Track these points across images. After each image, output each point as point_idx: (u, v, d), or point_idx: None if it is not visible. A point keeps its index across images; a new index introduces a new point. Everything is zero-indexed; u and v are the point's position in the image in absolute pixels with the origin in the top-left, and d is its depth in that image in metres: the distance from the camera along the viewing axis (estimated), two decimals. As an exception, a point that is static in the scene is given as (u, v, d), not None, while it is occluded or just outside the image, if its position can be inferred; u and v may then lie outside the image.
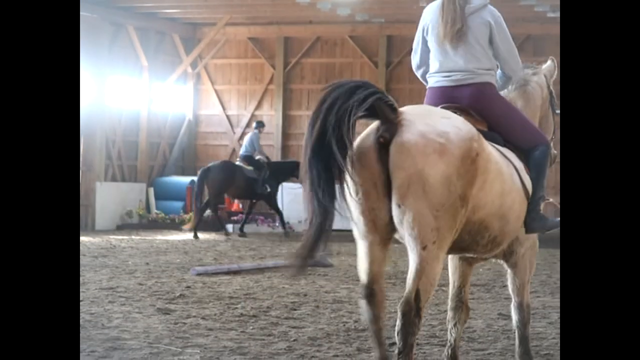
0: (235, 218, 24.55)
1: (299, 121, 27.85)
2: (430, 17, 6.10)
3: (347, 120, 5.07)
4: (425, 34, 6.15)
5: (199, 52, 27.43)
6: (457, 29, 5.98)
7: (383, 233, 5.32)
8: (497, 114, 6.04)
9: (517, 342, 6.40)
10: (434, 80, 6.11)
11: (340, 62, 27.67)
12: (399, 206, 5.17)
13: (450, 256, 6.34)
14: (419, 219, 5.15)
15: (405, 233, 5.21)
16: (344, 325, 8.73)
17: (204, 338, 7.89)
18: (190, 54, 27.42)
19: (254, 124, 24.50)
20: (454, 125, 5.34)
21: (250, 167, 22.98)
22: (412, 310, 5.24)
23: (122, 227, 23.98)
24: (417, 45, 6.23)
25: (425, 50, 6.17)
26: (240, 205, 25.71)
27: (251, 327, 8.51)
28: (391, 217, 5.24)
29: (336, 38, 27.56)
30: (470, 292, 10.14)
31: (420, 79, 6.32)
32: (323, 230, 5.18)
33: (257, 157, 22.96)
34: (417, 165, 5.15)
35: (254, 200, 23.20)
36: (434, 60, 6.11)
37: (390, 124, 5.23)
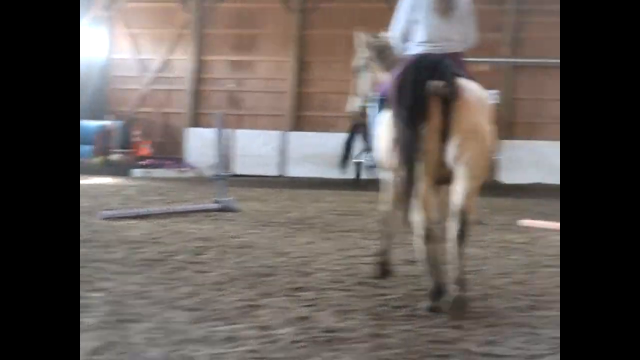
0: (143, 163, 24.35)
1: (212, 66, 27.65)
2: None
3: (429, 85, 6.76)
4: (414, 9, 7.25)
5: (110, -6, 27.01)
6: (449, 5, 7.26)
7: (435, 173, 6.86)
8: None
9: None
10: (421, 48, 7.19)
11: (254, 7, 27.48)
12: (459, 147, 6.72)
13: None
14: (475, 157, 6.75)
15: (460, 167, 6.76)
16: (249, 270, 8.77)
17: (108, 282, 7.87)
18: (101, -4, 26.99)
19: None
20: (482, 90, 7.06)
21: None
22: (467, 219, 6.83)
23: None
24: (403, 17, 7.31)
25: (412, 22, 7.26)
26: (149, 150, 25.49)
27: (156, 272, 8.50)
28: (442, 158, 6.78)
29: (249, -17, 27.34)
30: (376, 238, 10.27)
31: (398, 46, 7.43)
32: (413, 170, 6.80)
33: None
34: (476, 118, 6.78)
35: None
36: (422, 31, 7.21)
37: (454, 87, 6.77)
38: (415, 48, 7.25)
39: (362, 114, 8.82)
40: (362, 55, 8.74)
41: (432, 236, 6.96)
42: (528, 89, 24.33)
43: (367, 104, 8.67)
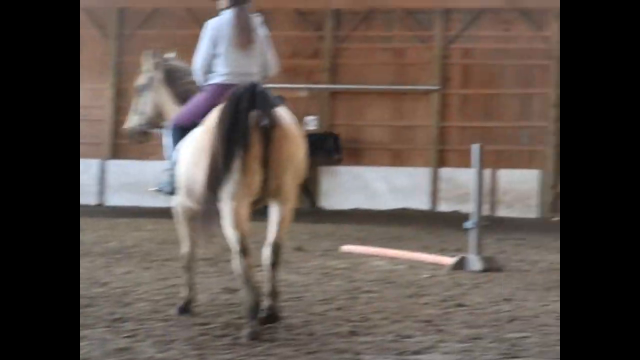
0: None
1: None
2: (222, 29, 7.64)
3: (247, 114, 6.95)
4: (215, 43, 7.64)
5: None
6: (249, 40, 7.68)
7: (252, 197, 7.10)
8: None
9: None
10: (224, 79, 7.62)
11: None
12: (276, 176, 7.02)
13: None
14: (290, 186, 7.16)
15: (276, 196, 7.13)
16: (66, 302, 8.49)
17: None
18: None
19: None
20: (294, 119, 7.39)
21: None
22: (281, 247, 7.27)
23: None
24: (205, 49, 7.67)
25: (214, 55, 7.65)
26: None
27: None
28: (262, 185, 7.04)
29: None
30: (197, 266, 10.14)
31: (200, 78, 7.77)
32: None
33: None
34: (292, 148, 7.14)
35: None
36: (224, 63, 7.63)
37: (273, 117, 7.05)
38: (217, 79, 7.66)
39: (140, 133, 8.70)
40: (146, 75, 8.68)
41: (247, 250, 7.12)
42: (346, 115, 24.67)
43: (144, 123, 8.63)
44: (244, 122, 6.91)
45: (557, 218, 22.87)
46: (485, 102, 24.00)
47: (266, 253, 7.26)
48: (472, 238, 11.89)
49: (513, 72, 23.98)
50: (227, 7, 7.73)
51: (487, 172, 21.86)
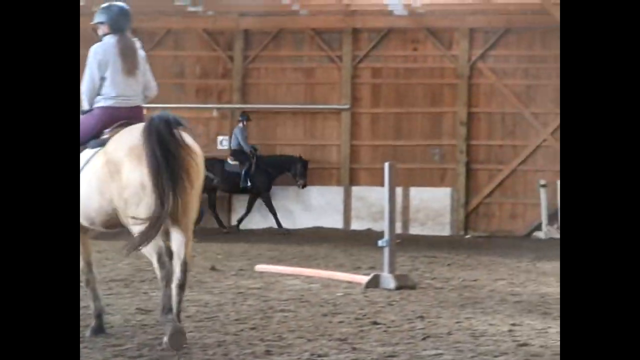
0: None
1: None
2: (107, 54, 7.99)
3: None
4: (102, 67, 7.96)
5: None
6: (133, 65, 8.03)
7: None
8: None
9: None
10: (111, 102, 7.95)
11: None
12: (185, 198, 7.30)
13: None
14: (194, 208, 7.52)
15: (182, 218, 7.38)
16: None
17: None
18: None
19: (239, 117, 23.55)
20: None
21: (235, 162, 22.70)
22: (188, 267, 7.53)
23: None
24: (91, 74, 7.98)
25: (100, 79, 7.98)
26: None
27: None
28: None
29: None
30: (109, 287, 10.04)
31: (87, 102, 8.03)
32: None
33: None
34: (198, 172, 7.56)
35: (253, 196, 23.00)
36: (111, 87, 7.96)
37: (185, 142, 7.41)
38: (105, 102, 8.01)
39: None
40: None
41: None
42: (258, 135, 24.66)
43: None
44: (173, 151, 7.26)
45: (469, 235, 23.13)
46: (396, 121, 24.20)
47: (176, 274, 7.42)
48: (385, 256, 11.96)
49: (422, 91, 24.23)
50: (108, 34, 8.13)
51: (399, 190, 22.02)
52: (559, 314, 9.65)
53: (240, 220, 23.20)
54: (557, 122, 23.33)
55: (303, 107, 24.59)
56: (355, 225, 23.75)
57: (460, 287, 12.08)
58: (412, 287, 11.73)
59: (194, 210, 7.52)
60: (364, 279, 12.06)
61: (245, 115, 23.57)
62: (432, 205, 23.41)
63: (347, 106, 24.31)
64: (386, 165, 12.18)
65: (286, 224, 23.54)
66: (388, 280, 11.74)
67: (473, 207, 23.62)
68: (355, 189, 23.98)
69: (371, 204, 23.42)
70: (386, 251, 11.94)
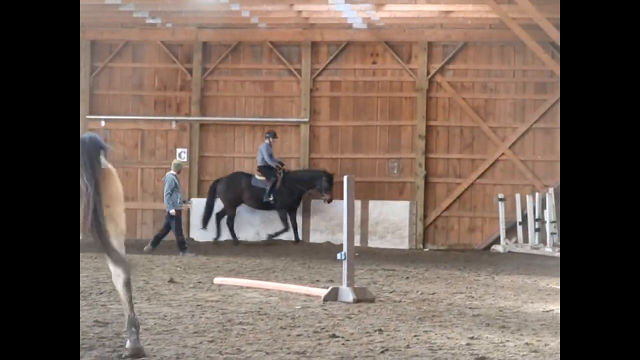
0: None
1: None
2: None
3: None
4: None
5: None
6: None
7: None
8: None
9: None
10: None
11: None
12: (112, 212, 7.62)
13: None
14: (122, 218, 7.78)
15: (112, 228, 7.56)
16: None
17: None
18: None
19: (265, 134, 23.56)
20: None
21: (262, 177, 22.87)
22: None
23: None
24: None
25: None
26: None
27: None
28: None
29: None
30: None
31: None
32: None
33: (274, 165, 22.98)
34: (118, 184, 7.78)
35: (288, 211, 23.15)
36: None
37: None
38: None
39: None
40: None
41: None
42: (217, 147, 24.62)
43: None
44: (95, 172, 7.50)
45: (427, 249, 23.21)
46: (354, 134, 24.26)
47: (120, 289, 7.60)
48: (344, 269, 11.98)
49: (381, 104, 24.32)
50: None
51: (358, 203, 22.07)
52: (517, 327, 9.72)
53: (274, 235, 23.26)
54: (515, 136, 23.53)
55: (262, 120, 24.60)
56: (314, 238, 23.75)
57: (419, 300, 12.13)
58: (371, 301, 11.76)
59: (122, 219, 7.75)
60: (322, 292, 12.06)
61: (272, 133, 23.58)
62: (391, 219, 23.49)
63: (305, 119, 24.35)
64: (345, 178, 12.22)
65: (245, 237, 23.52)
66: (347, 294, 11.76)
67: (432, 221, 23.73)
68: (314, 202, 24.00)
69: (330, 217, 23.45)
70: (345, 264, 11.96)
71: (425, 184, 23.84)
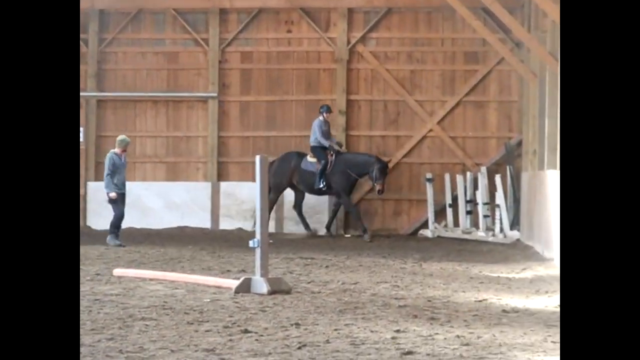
0: None
1: None
2: None
3: None
4: None
5: None
6: None
7: None
8: None
9: None
10: None
11: None
12: None
13: None
14: None
15: None
16: None
17: None
18: None
19: (319, 108, 22.47)
20: None
21: (313, 159, 21.91)
22: None
23: None
24: None
25: None
26: None
27: None
28: None
29: None
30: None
31: None
32: None
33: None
34: None
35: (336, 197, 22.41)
36: None
37: None
38: None
39: None
40: None
41: None
42: (115, 125, 24.39)
43: None
44: None
45: (349, 235, 23.30)
46: (268, 110, 24.23)
47: None
48: (257, 258, 11.96)
49: (297, 77, 24.31)
50: None
51: (272, 186, 22.04)
52: (447, 319, 9.79)
53: (328, 227, 22.86)
54: (444, 110, 23.70)
55: (165, 95, 24.44)
56: (224, 225, 23.71)
57: (340, 291, 12.17)
58: (287, 292, 11.77)
59: None
60: (233, 283, 12.05)
61: (326, 106, 22.66)
62: (309, 202, 23.51)
63: (214, 94, 24.25)
64: (257, 158, 12.19)
65: (146, 223, 23.37)
66: (260, 285, 11.75)
67: (354, 203, 23.82)
68: (223, 185, 23.94)
69: (242, 201, 23.42)
70: (258, 252, 11.95)
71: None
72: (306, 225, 22.61)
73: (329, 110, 22.57)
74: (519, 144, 23.15)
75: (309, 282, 13.02)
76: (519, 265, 16.08)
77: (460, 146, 23.77)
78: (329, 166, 22.12)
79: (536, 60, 20.29)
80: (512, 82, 23.65)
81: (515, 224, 22.05)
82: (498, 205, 21.74)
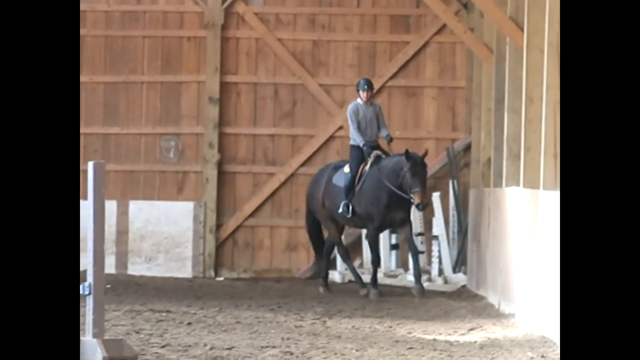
0: None
1: None
2: None
3: None
4: None
5: None
6: None
7: None
8: None
9: None
10: None
11: None
12: None
13: None
14: None
15: None
16: None
17: None
18: None
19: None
20: None
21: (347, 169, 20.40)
22: None
23: None
24: None
25: None
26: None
27: None
28: None
29: None
30: None
31: None
32: None
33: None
34: None
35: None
36: None
37: None
38: None
39: None
40: None
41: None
42: None
43: None
44: None
45: (222, 278, 23.29)
46: (107, 95, 24.26)
47: None
48: (88, 310, 11.90)
49: (149, 50, 24.47)
50: None
51: (112, 205, 21.97)
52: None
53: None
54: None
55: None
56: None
57: (208, 358, 12.17)
58: (132, 360, 11.74)
59: None
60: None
61: (364, 81, 20.90)
62: (165, 230, 23.47)
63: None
64: (90, 165, 12.11)
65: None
66: (93, 349, 11.69)
67: (229, 233, 23.80)
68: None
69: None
70: (90, 302, 11.87)
71: (219, 175, 23.87)
72: (357, 277, 21.26)
73: (369, 86, 20.90)
74: (467, 149, 23.31)
75: (163, 346, 12.99)
76: (465, 323, 16.20)
77: (384, 150, 23.87)
78: (357, 180, 20.52)
79: (492, 30, 20.45)
80: (457, 59, 23.84)
81: (460, 263, 22.22)
82: (436, 237, 21.90)
